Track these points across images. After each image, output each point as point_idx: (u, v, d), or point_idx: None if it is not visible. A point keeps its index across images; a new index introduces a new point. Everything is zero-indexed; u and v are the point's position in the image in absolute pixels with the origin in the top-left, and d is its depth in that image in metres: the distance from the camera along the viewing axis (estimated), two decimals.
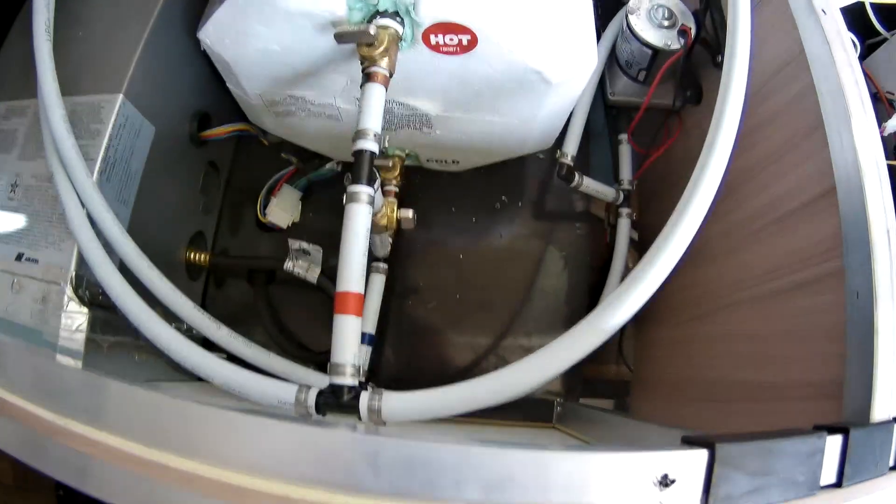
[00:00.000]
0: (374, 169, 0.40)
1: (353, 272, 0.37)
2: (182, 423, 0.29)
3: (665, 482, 0.26)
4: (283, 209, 0.68)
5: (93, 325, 0.48)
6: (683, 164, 0.68)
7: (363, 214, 0.38)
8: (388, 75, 0.42)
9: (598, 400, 0.75)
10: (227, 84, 0.58)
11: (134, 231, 0.49)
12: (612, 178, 0.73)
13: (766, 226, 0.50)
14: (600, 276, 0.72)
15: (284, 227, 0.69)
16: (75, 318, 0.47)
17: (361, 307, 0.37)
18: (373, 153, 0.39)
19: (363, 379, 0.42)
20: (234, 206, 0.73)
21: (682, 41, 0.63)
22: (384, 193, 0.57)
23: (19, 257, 0.49)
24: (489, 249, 0.71)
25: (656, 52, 0.64)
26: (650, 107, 0.67)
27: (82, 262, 0.47)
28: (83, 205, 0.46)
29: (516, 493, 0.25)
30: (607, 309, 0.34)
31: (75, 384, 0.31)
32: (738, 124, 0.39)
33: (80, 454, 0.29)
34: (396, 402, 0.35)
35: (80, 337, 0.47)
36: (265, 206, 0.68)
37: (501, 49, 0.46)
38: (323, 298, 0.68)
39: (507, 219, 0.72)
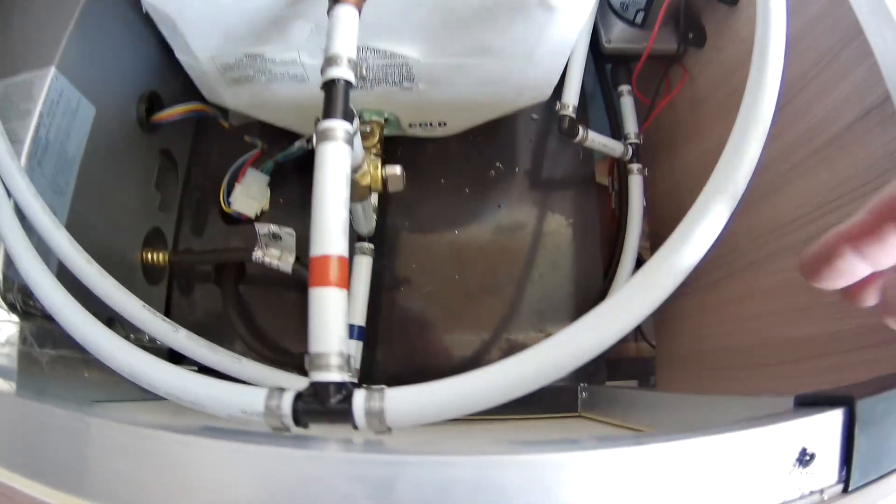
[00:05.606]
0: (352, 107, 0.32)
1: (331, 229, 0.28)
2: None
3: (803, 459, 0.19)
4: (249, 196, 0.60)
5: (25, 336, 0.40)
6: (692, 112, 0.63)
7: (341, 154, 0.30)
8: None
9: (618, 382, 0.68)
10: (176, 53, 0.50)
11: (75, 227, 0.42)
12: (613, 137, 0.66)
13: (806, 158, 0.44)
14: (610, 248, 0.65)
15: (252, 215, 0.61)
16: (4, 328, 0.39)
17: (346, 276, 0.29)
18: (348, 82, 0.32)
19: (355, 378, 0.33)
20: (195, 203, 0.65)
21: None
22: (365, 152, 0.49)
23: None
24: (487, 222, 0.63)
25: None
26: (649, 55, 0.62)
27: (11, 261, 0.38)
28: (9, 194, 0.39)
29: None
30: (685, 237, 0.25)
31: None
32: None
33: None
34: (404, 401, 0.25)
35: (12, 351, 0.40)
36: (229, 195, 0.60)
37: None
38: (302, 295, 0.59)
39: (504, 187, 0.64)
